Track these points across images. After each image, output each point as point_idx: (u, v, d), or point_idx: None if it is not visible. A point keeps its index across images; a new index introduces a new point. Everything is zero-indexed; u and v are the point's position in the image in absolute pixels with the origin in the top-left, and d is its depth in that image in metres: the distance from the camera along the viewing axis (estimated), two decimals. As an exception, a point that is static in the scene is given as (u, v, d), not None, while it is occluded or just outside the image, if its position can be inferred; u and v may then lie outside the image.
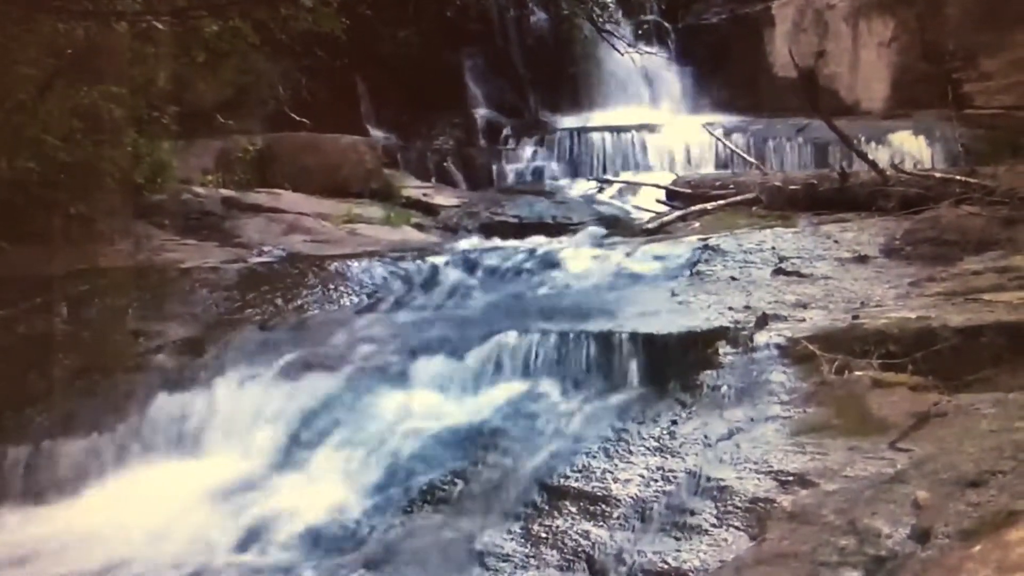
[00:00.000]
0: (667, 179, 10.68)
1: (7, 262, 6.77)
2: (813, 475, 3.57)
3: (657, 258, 7.09)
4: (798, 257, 6.55)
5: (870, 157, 9.02)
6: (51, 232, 7.05)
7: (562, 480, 4.04)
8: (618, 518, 3.72)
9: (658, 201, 10.20)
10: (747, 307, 5.43)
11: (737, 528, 3.43)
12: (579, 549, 3.60)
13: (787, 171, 10.61)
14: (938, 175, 8.14)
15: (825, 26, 13.79)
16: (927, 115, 11.60)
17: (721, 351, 4.84)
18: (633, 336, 5.15)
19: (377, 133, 13.02)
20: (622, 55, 14.01)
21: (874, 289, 5.67)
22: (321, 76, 11.63)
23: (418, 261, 7.36)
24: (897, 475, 3.41)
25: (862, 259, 6.41)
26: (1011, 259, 5.83)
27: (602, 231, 9.39)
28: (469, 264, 7.37)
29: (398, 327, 6.10)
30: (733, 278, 6.25)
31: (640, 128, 12.65)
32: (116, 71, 7.41)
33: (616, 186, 11.38)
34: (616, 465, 4.08)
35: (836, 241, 6.86)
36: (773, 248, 6.79)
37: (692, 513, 3.57)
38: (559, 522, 3.78)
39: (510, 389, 5.15)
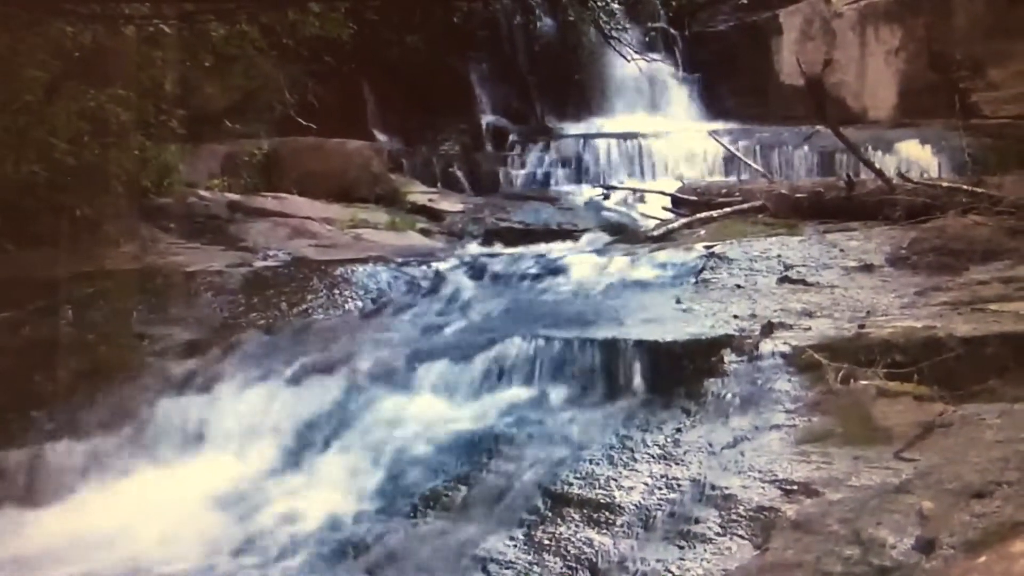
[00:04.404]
0: (673, 186, 10.65)
1: (12, 264, 6.79)
2: (818, 484, 3.57)
3: (662, 265, 7.07)
4: (804, 265, 6.53)
5: (877, 166, 9.00)
6: (57, 235, 7.06)
7: (566, 487, 4.03)
8: (622, 526, 3.71)
9: (664, 208, 10.19)
10: (752, 315, 5.42)
11: (741, 537, 3.42)
12: (582, 556, 3.59)
13: (793, 179, 10.60)
14: (945, 184, 8.12)
15: (832, 34, 13.80)
16: (934, 124, 11.60)
17: (726, 359, 4.82)
18: (638, 343, 5.14)
19: (383, 138, 13.04)
20: (629, 62, 14.03)
21: (880, 298, 5.66)
22: (328, 81, 11.64)
23: (423, 266, 7.35)
24: (902, 485, 3.40)
25: (868, 268, 6.39)
26: (1017, 269, 5.82)
27: (607, 238, 9.41)
28: (474, 270, 7.36)
29: (402, 332, 6.10)
30: (738, 286, 6.24)
31: (646, 135, 12.65)
32: (123, 74, 7.43)
33: (622, 193, 11.37)
34: (620, 472, 4.07)
35: (842, 250, 6.84)
36: (779, 256, 6.78)
37: (696, 521, 3.57)
38: (562, 529, 3.77)
39: (514, 395, 5.14)
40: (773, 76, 14.26)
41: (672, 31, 15.61)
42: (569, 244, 9.09)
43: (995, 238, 6.46)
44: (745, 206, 9.09)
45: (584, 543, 3.66)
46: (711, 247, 7.19)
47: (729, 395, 4.57)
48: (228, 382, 5.52)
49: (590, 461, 4.20)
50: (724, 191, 9.78)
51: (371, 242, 8.92)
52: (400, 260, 7.55)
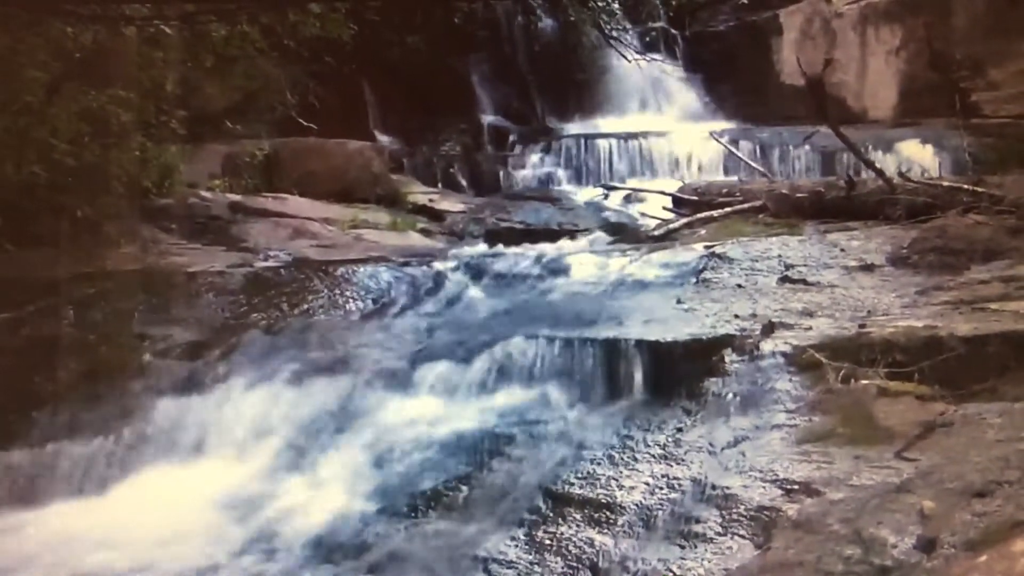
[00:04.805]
0: (673, 186, 10.66)
1: (13, 265, 6.79)
2: (819, 484, 3.56)
3: (663, 265, 7.06)
4: (804, 265, 6.53)
5: (877, 165, 9.00)
6: (57, 235, 7.06)
7: (567, 487, 4.04)
8: (623, 525, 3.71)
9: (664, 208, 10.18)
10: (753, 315, 5.42)
11: (742, 537, 3.42)
12: (583, 556, 3.59)
13: (794, 179, 10.61)
14: (945, 184, 8.12)
15: (833, 34, 13.80)
16: (935, 124, 11.62)
17: (727, 359, 4.82)
18: (639, 343, 5.14)
19: (384, 138, 13.06)
20: (629, 62, 14.02)
21: (881, 298, 5.66)
22: (328, 82, 11.65)
23: (424, 267, 7.35)
24: (903, 484, 3.40)
25: (869, 267, 6.39)
26: (1018, 268, 5.81)
27: (608, 238, 9.41)
28: (475, 270, 7.36)
29: (403, 333, 6.09)
30: (739, 286, 6.23)
31: (647, 135, 12.66)
32: (124, 75, 7.44)
33: (622, 193, 11.38)
34: (621, 472, 4.07)
35: (843, 249, 6.84)
36: (779, 256, 6.77)
37: (697, 521, 3.56)
38: (563, 529, 3.77)
39: (515, 395, 5.15)
40: (773, 76, 14.26)
41: (672, 31, 15.62)
42: (570, 244, 9.09)
43: (996, 237, 6.46)
44: (746, 206, 9.09)
45: (585, 543, 3.66)
46: (712, 247, 7.19)
47: (730, 395, 4.56)
48: (229, 383, 5.52)
49: (591, 461, 4.21)
50: (724, 191, 9.78)
51: (372, 242, 8.92)
52: (401, 260, 7.56)
